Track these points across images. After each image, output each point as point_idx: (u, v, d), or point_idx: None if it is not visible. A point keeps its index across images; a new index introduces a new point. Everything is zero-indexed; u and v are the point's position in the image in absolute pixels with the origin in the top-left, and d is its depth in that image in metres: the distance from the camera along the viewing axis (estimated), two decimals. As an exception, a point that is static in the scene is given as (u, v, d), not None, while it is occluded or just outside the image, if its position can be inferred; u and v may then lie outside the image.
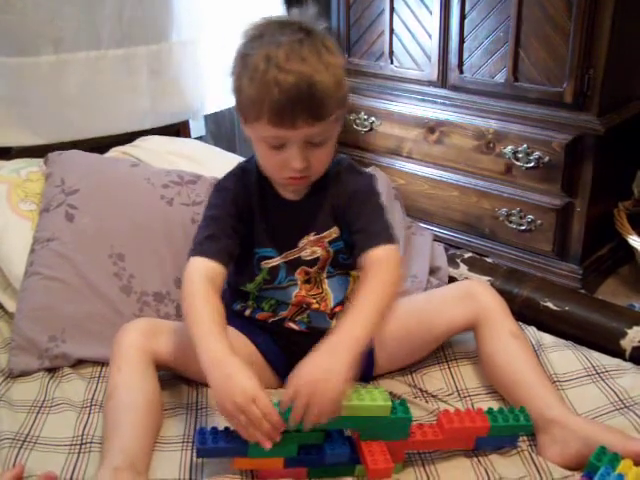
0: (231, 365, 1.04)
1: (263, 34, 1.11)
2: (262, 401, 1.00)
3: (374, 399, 1.03)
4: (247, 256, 1.27)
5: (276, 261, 1.27)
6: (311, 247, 1.26)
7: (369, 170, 1.69)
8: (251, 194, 1.25)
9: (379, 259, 1.16)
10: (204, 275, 1.17)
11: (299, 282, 1.28)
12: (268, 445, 1.01)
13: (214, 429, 1.05)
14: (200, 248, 1.21)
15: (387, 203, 1.73)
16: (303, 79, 1.05)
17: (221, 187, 1.28)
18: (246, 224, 1.25)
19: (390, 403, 1.04)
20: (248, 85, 1.09)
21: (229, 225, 1.23)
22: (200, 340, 1.08)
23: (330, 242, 1.27)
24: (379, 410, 1.04)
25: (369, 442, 1.06)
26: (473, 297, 1.31)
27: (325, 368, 1.00)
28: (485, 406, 1.21)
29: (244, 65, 1.11)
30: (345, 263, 1.30)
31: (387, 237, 1.20)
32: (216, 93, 2.31)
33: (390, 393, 1.29)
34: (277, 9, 2.35)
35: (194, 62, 2.21)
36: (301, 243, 1.26)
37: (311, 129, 1.09)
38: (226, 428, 1.05)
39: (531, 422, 1.12)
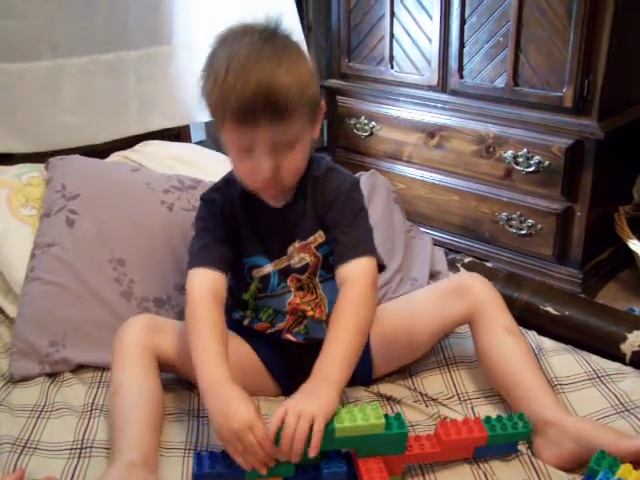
0: (229, 392, 1.05)
1: (227, 39, 1.13)
2: (258, 429, 1.00)
3: (366, 418, 1.03)
4: (239, 267, 1.28)
5: (266, 269, 1.27)
6: (298, 254, 1.26)
7: (360, 174, 1.70)
8: (235, 205, 1.25)
9: (352, 277, 1.17)
10: (206, 287, 1.18)
11: (292, 289, 1.27)
12: (263, 471, 1.02)
13: (212, 453, 1.06)
14: (197, 259, 1.22)
15: (387, 206, 1.74)
16: (262, 80, 1.05)
17: (207, 199, 1.28)
18: (234, 234, 1.25)
19: (383, 420, 1.03)
20: (211, 89, 1.10)
21: (221, 233, 1.24)
22: (200, 365, 1.10)
23: (317, 247, 1.26)
24: (373, 428, 1.03)
25: (366, 459, 1.05)
26: (467, 291, 1.30)
27: (308, 414, 1.00)
28: (485, 410, 1.22)
29: (209, 70, 1.12)
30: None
31: (362, 250, 1.19)
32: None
33: (390, 397, 1.29)
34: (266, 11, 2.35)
35: (189, 67, 2.21)
36: (289, 251, 1.26)
37: (275, 129, 1.08)
38: (223, 451, 1.05)
39: (530, 428, 1.12)
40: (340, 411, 1.03)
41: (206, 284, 1.19)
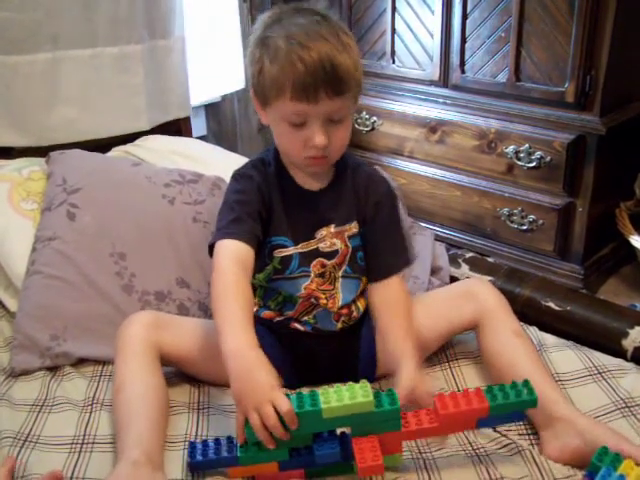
0: (254, 359, 1.04)
1: (281, 18, 1.16)
2: (281, 401, 0.99)
3: (354, 396, 1.00)
4: (260, 245, 1.26)
5: (290, 250, 1.27)
6: (330, 239, 1.27)
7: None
8: (270, 184, 1.26)
9: (399, 295, 1.26)
10: (234, 259, 1.16)
11: (312, 274, 1.27)
12: (271, 445, 1.01)
13: (204, 442, 1.05)
14: (227, 231, 1.20)
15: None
16: (325, 56, 1.10)
17: (243, 174, 1.28)
18: (266, 212, 1.25)
19: (372, 398, 1.00)
20: (270, 65, 1.14)
21: (255, 209, 1.23)
22: (225, 330, 1.08)
23: (349, 237, 1.28)
24: (362, 406, 1.00)
25: (360, 438, 1.03)
26: (475, 296, 1.31)
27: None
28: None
29: (264, 47, 1.15)
30: (362, 266, 1.30)
31: (406, 262, 1.30)
32: (205, 85, 2.36)
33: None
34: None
35: (185, 59, 2.20)
36: (319, 234, 1.27)
37: (332, 104, 1.13)
38: (216, 439, 1.05)
39: (535, 395, 1.06)
40: (328, 391, 1.01)
41: (234, 254, 1.17)
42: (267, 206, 1.25)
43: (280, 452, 1.03)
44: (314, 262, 1.27)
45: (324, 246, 1.27)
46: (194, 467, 1.05)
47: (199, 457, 1.03)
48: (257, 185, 1.25)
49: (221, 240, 1.19)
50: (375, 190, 1.30)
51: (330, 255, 1.27)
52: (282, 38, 1.12)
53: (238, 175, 1.29)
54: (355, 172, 1.30)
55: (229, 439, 1.06)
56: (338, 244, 1.27)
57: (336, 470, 1.07)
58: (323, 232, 1.27)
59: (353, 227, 1.28)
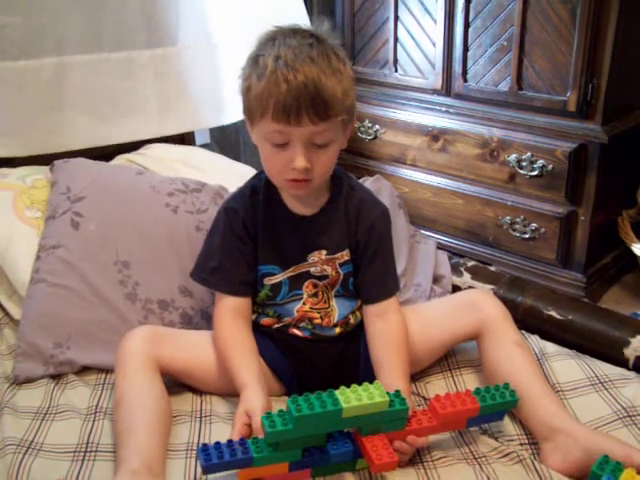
0: (248, 390, 1.16)
1: (275, 38, 1.15)
2: (254, 417, 1.10)
3: (371, 396, 1.05)
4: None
5: (279, 278, 1.28)
6: (321, 265, 1.28)
7: (365, 179, 1.73)
8: (258, 213, 1.27)
9: (392, 309, 1.28)
10: (232, 315, 1.27)
11: (305, 295, 1.29)
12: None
13: (217, 444, 1.06)
14: (219, 283, 1.28)
15: (391, 212, 1.73)
16: (310, 78, 1.09)
17: (229, 209, 1.29)
18: (252, 243, 1.27)
19: (387, 398, 1.05)
20: (256, 82, 1.13)
21: (240, 252, 1.27)
22: (234, 371, 1.20)
23: (341, 264, 1.28)
24: (378, 406, 1.05)
25: (370, 437, 1.07)
26: (476, 306, 1.32)
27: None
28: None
29: (254, 65, 1.15)
30: (354, 290, 1.31)
31: (395, 285, 1.31)
32: (226, 103, 2.29)
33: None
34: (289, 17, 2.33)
35: (201, 68, 2.19)
36: (310, 258, 1.28)
37: (315, 127, 1.12)
38: (229, 440, 1.06)
39: (517, 397, 1.15)
40: (345, 391, 1.05)
41: (232, 310, 1.27)
42: (253, 239, 1.28)
43: (294, 452, 1.06)
44: (306, 283, 1.29)
45: (315, 270, 1.28)
46: (209, 470, 1.05)
47: (215, 460, 1.03)
48: (242, 221, 1.27)
49: (219, 295, 1.29)
50: (367, 216, 1.29)
51: (321, 278, 1.29)
52: (271, 57, 1.12)
53: (225, 208, 1.30)
54: (348, 198, 1.29)
55: (242, 441, 1.07)
56: (329, 270, 1.28)
57: (341, 467, 1.11)
58: (315, 257, 1.28)
59: (345, 255, 1.29)
